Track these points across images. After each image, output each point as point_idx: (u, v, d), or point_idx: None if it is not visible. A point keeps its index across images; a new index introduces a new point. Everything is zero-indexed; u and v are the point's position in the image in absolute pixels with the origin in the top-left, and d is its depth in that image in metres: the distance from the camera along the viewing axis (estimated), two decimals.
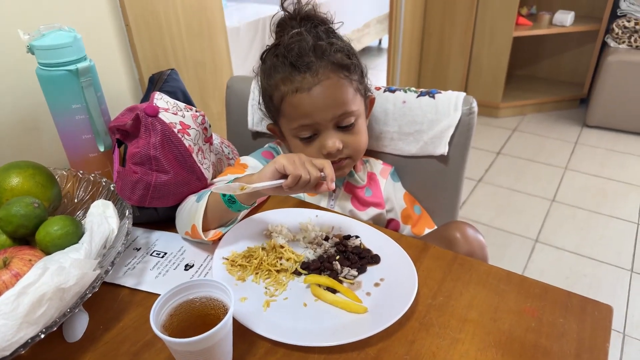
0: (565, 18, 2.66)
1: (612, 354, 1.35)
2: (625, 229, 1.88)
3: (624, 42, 2.58)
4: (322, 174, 0.64)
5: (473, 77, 2.84)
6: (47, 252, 0.61)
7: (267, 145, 0.94)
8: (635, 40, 2.54)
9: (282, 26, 0.80)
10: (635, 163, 2.35)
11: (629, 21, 2.53)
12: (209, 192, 0.69)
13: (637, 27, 2.52)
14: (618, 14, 2.60)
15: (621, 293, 1.57)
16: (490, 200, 2.11)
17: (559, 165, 2.36)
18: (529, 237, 1.85)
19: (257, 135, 1.05)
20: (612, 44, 2.62)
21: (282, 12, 0.80)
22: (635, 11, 2.54)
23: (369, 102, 0.87)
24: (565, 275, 1.65)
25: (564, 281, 1.63)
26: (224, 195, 0.66)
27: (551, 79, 3.18)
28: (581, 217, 1.97)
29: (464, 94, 0.87)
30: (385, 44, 4.47)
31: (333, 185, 0.64)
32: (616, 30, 2.59)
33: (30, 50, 0.75)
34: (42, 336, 0.48)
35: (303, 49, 0.75)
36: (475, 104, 0.86)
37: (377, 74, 3.80)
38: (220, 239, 0.69)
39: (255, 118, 1.01)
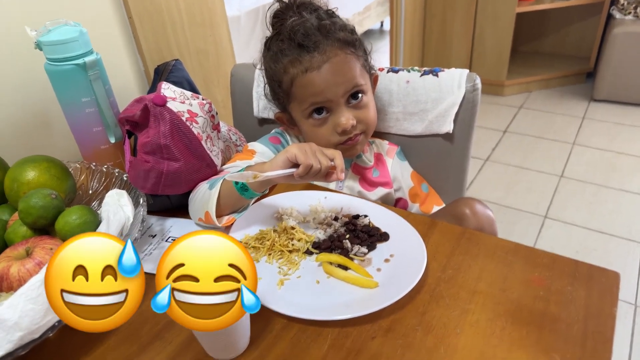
0: None
1: (625, 325, 1.37)
2: (635, 201, 1.88)
3: (629, 13, 2.54)
4: (332, 162, 0.66)
5: (477, 56, 2.82)
6: None
7: (273, 131, 0.95)
8: None
9: (279, 16, 0.81)
10: None
11: None
12: (222, 180, 0.70)
13: None
14: None
15: (632, 265, 1.58)
16: (498, 178, 2.11)
17: (567, 141, 2.35)
18: (538, 214, 1.86)
19: (263, 121, 1.06)
20: (617, 15, 2.58)
21: (278, 4, 0.81)
22: None
23: (373, 80, 0.88)
24: (575, 250, 1.66)
25: (574, 256, 1.60)
26: (236, 183, 0.67)
27: (556, 53, 3.13)
28: (590, 192, 1.96)
29: (467, 71, 0.87)
30: (387, 27, 4.42)
31: (343, 175, 0.66)
32: (621, 1, 2.54)
33: (38, 46, 0.76)
34: None
35: (309, 29, 0.76)
36: (479, 81, 0.87)
37: (379, 56, 3.75)
38: (232, 224, 0.71)
39: (261, 105, 1.02)
